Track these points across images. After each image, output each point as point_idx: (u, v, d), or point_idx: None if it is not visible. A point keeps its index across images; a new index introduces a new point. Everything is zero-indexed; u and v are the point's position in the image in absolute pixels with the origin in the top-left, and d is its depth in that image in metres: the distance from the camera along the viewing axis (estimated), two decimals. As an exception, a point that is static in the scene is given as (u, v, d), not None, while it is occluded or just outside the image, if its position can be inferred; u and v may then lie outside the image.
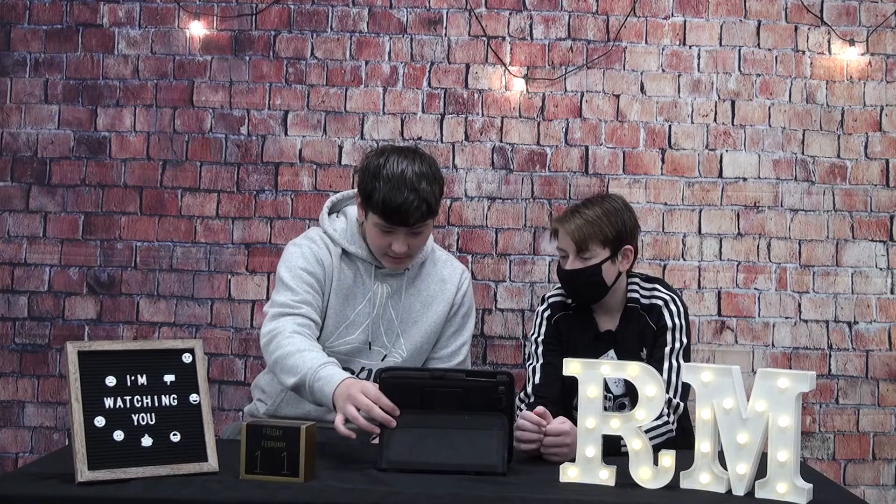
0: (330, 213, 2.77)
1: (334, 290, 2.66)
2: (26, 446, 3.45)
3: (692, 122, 3.49)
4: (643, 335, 2.65)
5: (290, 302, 2.58)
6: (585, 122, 3.50)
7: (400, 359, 2.69)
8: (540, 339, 2.71)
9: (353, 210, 2.74)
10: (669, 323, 2.62)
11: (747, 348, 3.44)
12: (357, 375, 2.70)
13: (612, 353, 2.66)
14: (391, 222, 2.53)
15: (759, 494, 1.99)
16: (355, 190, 2.71)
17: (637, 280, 2.71)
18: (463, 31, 3.51)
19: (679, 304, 2.67)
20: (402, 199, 2.48)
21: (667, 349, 2.60)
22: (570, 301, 2.73)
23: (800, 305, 3.46)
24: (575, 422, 2.19)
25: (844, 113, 3.51)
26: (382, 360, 2.68)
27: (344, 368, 2.70)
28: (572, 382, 2.19)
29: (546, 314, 2.74)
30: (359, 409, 2.22)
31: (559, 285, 2.78)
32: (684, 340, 2.62)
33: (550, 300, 2.77)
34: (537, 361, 2.69)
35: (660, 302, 2.66)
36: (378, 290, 2.68)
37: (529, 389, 2.64)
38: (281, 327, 2.54)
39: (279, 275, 2.66)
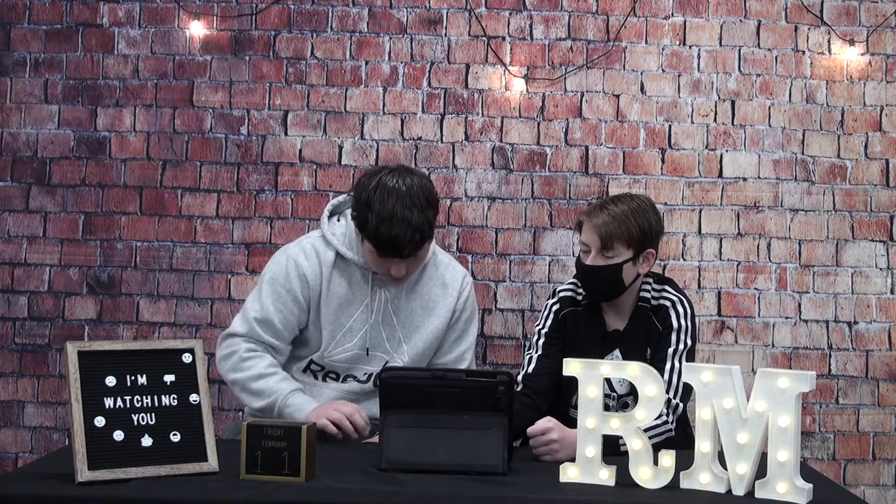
0: (331, 216, 2.76)
1: (325, 301, 2.65)
2: (26, 446, 3.45)
3: (692, 122, 3.49)
4: (650, 335, 2.64)
5: (253, 321, 2.64)
6: (585, 122, 3.50)
7: (402, 364, 2.68)
8: (543, 332, 2.71)
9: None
10: (675, 324, 2.62)
11: (747, 348, 3.44)
12: (358, 379, 2.70)
13: (617, 352, 2.66)
14: (385, 255, 2.53)
15: (759, 494, 1.99)
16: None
17: (649, 280, 2.71)
18: (463, 31, 3.51)
19: (686, 305, 2.66)
20: (394, 233, 2.46)
21: (670, 350, 2.59)
22: (580, 297, 2.72)
23: (800, 305, 3.46)
24: (572, 421, 2.19)
25: (844, 113, 3.51)
26: (385, 365, 2.67)
27: (347, 376, 2.70)
28: (571, 381, 2.19)
29: (554, 308, 2.73)
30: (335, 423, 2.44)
31: (571, 280, 2.77)
32: (688, 342, 2.61)
33: (560, 294, 2.75)
34: (535, 352, 2.69)
35: (667, 303, 2.66)
36: (376, 296, 2.67)
37: (520, 378, 2.64)
38: (235, 346, 2.64)
39: (261, 278, 2.70)
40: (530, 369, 2.65)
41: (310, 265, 2.66)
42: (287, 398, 2.54)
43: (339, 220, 2.74)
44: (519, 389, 2.59)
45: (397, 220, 2.46)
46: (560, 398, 2.66)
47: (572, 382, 2.16)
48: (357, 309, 2.66)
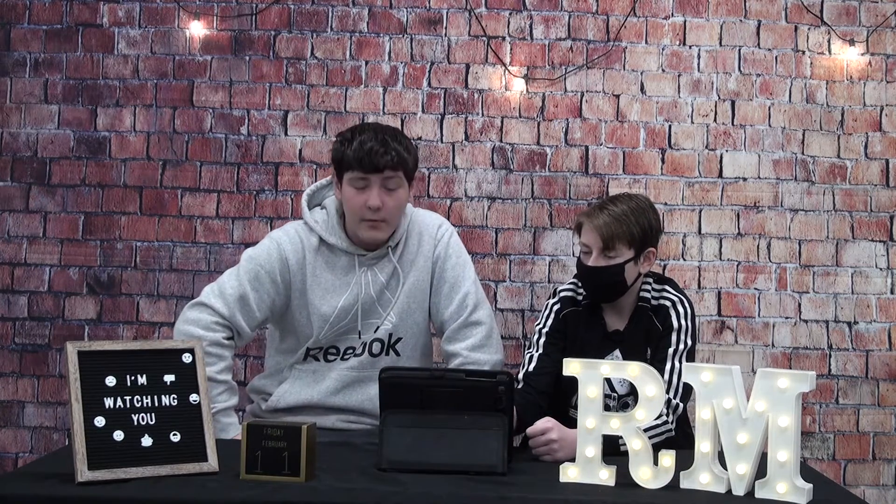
0: (311, 208, 2.78)
1: (312, 285, 2.67)
2: (26, 446, 3.45)
3: (692, 122, 3.49)
4: (650, 335, 2.64)
5: (231, 299, 2.63)
6: (585, 122, 3.50)
7: (391, 325, 2.69)
8: (544, 331, 2.70)
9: (332, 202, 2.74)
10: (675, 324, 2.61)
11: (747, 348, 3.44)
12: (356, 352, 2.71)
13: (617, 352, 2.65)
14: (364, 169, 2.57)
15: (759, 494, 1.98)
16: (330, 178, 2.74)
17: (649, 280, 2.70)
18: (463, 31, 3.52)
19: (686, 306, 2.65)
20: (372, 145, 2.58)
21: (670, 350, 2.59)
22: (580, 297, 2.71)
23: (800, 305, 3.46)
24: (572, 421, 2.19)
25: (844, 113, 3.51)
26: (376, 331, 2.69)
27: (347, 349, 2.70)
28: (571, 381, 2.19)
29: (556, 307, 2.72)
30: None
31: (572, 279, 2.76)
32: (688, 342, 2.60)
33: (561, 294, 2.75)
34: (536, 351, 2.68)
35: (667, 303, 2.65)
36: (363, 278, 2.68)
37: (521, 375, 2.64)
38: (202, 332, 2.60)
39: (243, 256, 2.71)
40: (531, 367, 2.65)
41: (293, 248, 2.67)
42: (217, 415, 2.55)
43: (320, 209, 2.77)
44: (520, 387, 2.58)
45: (376, 139, 2.59)
46: (560, 398, 2.66)
47: (572, 382, 2.16)
48: (346, 291, 2.67)
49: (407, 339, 2.72)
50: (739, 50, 3.50)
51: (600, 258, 2.59)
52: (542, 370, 2.64)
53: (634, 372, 2.09)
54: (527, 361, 2.68)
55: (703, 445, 2.04)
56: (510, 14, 3.52)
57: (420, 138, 3.50)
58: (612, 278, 2.59)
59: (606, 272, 2.59)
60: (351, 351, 2.70)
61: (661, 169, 3.49)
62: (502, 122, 3.50)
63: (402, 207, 2.67)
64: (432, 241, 2.76)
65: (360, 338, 2.69)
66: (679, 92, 3.50)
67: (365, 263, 2.68)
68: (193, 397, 2.12)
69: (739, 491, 2.00)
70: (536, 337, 2.71)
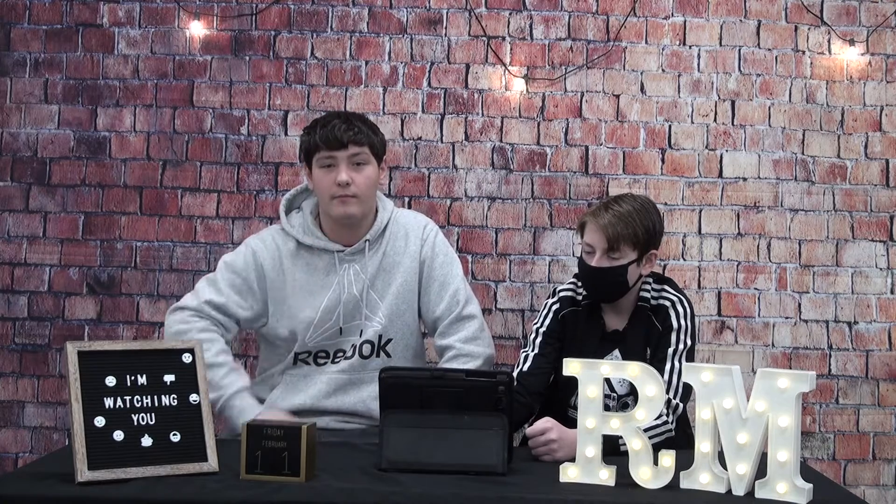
0: (288, 212, 2.79)
1: (291, 290, 2.68)
2: (26, 446, 3.45)
3: (692, 122, 3.49)
4: (649, 335, 2.64)
5: (203, 303, 2.67)
6: (585, 122, 3.50)
7: (380, 326, 2.69)
8: (542, 330, 2.70)
9: (308, 204, 2.77)
10: (675, 324, 2.61)
11: (747, 348, 3.44)
12: (346, 355, 2.70)
13: (616, 352, 2.65)
14: (329, 146, 2.62)
15: (759, 494, 1.99)
16: (305, 183, 2.79)
17: (649, 280, 2.69)
18: (463, 31, 3.52)
19: (686, 305, 2.64)
20: (336, 123, 2.65)
21: (669, 350, 2.58)
22: (580, 297, 2.71)
23: (800, 305, 3.46)
24: (571, 421, 2.19)
25: (844, 113, 3.51)
26: (362, 333, 2.69)
27: (336, 352, 2.70)
28: (570, 381, 2.18)
29: (554, 307, 2.72)
30: None
31: (571, 279, 2.76)
32: (688, 342, 2.60)
33: (561, 294, 2.74)
34: (532, 350, 2.68)
35: (667, 303, 2.64)
36: (345, 274, 2.69)
37: (515, 374, 2.63)
38: (188, 324, 2.64)
39: (221, 261, 2.74)
40: (526, 367, 2.65)
41: (269, 255, 2.70)
42: (231, 399, 2.58)
43: (297, 213, 2.79)
44: (514, 386, 2.58)
45: (341, 119, 2.67)
46: (559, 398, 2.66)
47: (572, 382, 2.16)
48: (328, 291, 2.68)
49: (397, 341, 2.72)
50: (739, 50, 3.50)
51: (604, 259, 2.58)
52: (537, 370, 2.64)
53: (634, 372, 2.09)
54: (522, 360, 2.67)
55: (703, 445, 2.04)
56: (510, 14, 3.52)
57: (420, 138, 3.50)
58: (614, 280, 2.59)
59: (609, 273, 2.58)
60: (341, 354, 2.70)
61: (661, 169, 3.49)
62: (502, 122, 3.50)
63: (372, 185, 2.68)
64: (419, 242, 2.77)
65: (341, 334, 2.69)
66: (679, 92, 3.50)
67: (345, 260, 2.69)
68: (193, 397, 2.12)
69: (739, 491, 2.00)
70: (533, 336, 2.71)
